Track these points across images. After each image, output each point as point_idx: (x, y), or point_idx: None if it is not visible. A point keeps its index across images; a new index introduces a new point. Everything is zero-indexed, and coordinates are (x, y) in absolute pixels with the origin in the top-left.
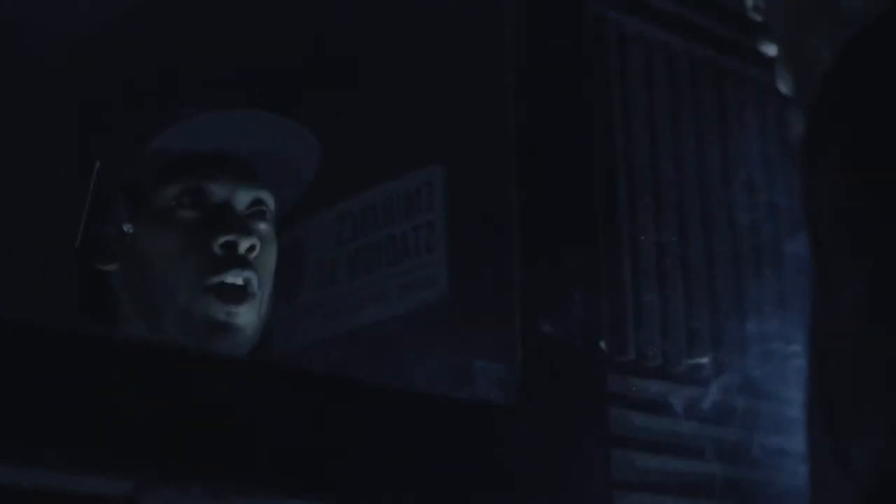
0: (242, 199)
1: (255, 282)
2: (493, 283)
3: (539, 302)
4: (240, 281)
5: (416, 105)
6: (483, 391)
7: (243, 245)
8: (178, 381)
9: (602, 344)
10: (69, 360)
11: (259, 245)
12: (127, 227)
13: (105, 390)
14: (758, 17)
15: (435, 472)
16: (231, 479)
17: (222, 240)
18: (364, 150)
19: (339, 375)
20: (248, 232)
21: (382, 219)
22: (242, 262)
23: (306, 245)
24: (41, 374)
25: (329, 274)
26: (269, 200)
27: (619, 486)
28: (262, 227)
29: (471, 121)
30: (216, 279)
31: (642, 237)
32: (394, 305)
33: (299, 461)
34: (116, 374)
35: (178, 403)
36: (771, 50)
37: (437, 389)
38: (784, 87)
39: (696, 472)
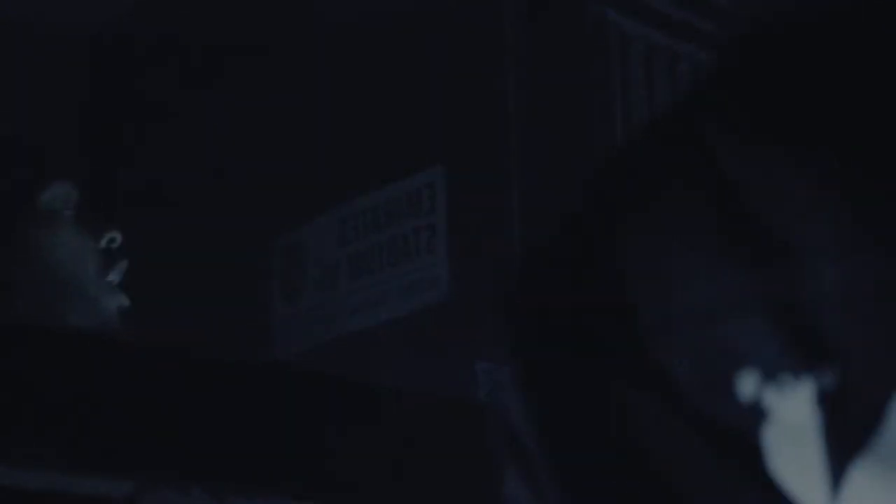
0: None
1: None
2: (494, 283)
3: None
4: None
5: (417, 105)
6: (485, 392)
7: None
8: (179, 382)
9: None
10: (70, 360)
11: None
12: None
13: (106, 391)
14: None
15: (435, 473)
16: (231, 479)
17: None
18: (365, 151)
19: (340, 377)
20: None
21: (384, 220)
22: None
23: (308, 247)
24: (42, 374)
25: (331, 276)
26: None
27: None
28: None
29: (471, 121)
30: None
31: None
32: (395, 307)
33: (299, 461)
34: (117, 375)
35: (178, 405)
36: None
37: (439, 391)
38: None
39: None
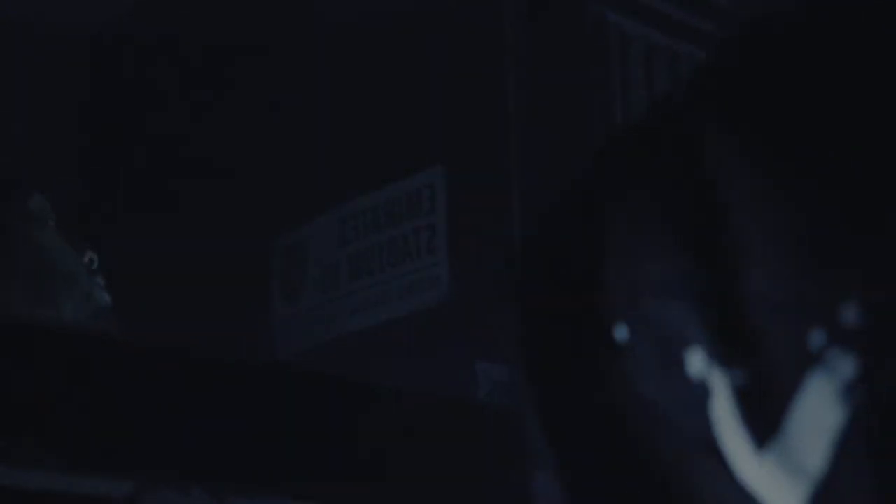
0: None
1: None
2: (494, 283)
3: None
4: None
5: (417, 105)
6: (485, 392)
7: None
8: (179, 382)
9: None
10: (70, 360)
11: None
12: None
13: (106, 391)
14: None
15: (437, 473)
16: (231, 479)
17: None
18: (365, 151)
19: (340, 377)
20: None
21: (384, 221)
22: None
23: (308, 247)
24: (42, 374)
25: (331, 276)
26: None
27: None
28: None
29: (471, 121)
30: None
31: None
32: (396, 307)
33: (299, 461)
34: (118, 375)
35: (178, 405)
36: None
37: (439, 390)
38: None
39: None
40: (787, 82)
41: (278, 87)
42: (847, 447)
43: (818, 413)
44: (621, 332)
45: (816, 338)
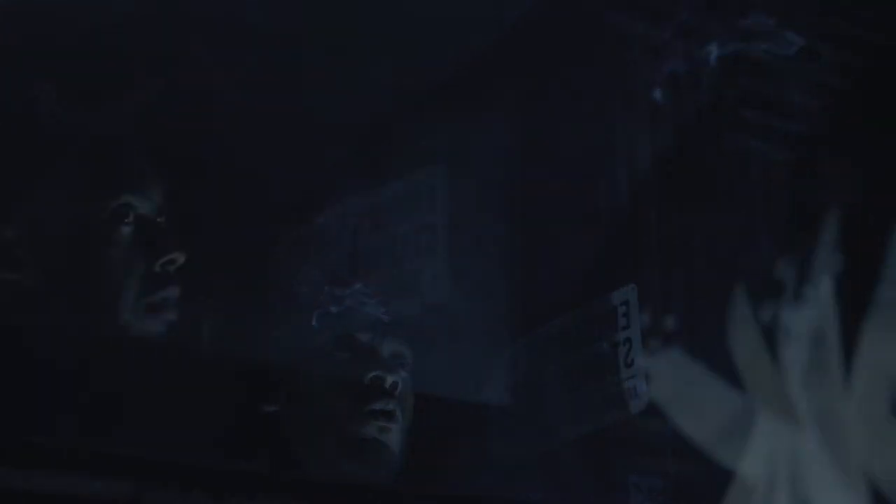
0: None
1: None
2: None
3: None
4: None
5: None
6: None
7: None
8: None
9: None
10: (72, 360)
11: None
12: None
13: (108, 389)
14: None
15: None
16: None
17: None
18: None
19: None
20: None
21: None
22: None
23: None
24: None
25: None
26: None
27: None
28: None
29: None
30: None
31: None
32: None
33: (300, 461)
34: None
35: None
36: None
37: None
38: None
39: None
40: None
41: None
42: None
43: None
44: None
45: None
